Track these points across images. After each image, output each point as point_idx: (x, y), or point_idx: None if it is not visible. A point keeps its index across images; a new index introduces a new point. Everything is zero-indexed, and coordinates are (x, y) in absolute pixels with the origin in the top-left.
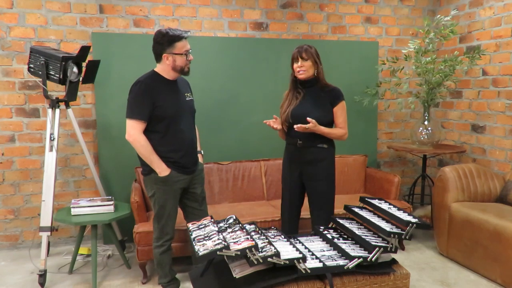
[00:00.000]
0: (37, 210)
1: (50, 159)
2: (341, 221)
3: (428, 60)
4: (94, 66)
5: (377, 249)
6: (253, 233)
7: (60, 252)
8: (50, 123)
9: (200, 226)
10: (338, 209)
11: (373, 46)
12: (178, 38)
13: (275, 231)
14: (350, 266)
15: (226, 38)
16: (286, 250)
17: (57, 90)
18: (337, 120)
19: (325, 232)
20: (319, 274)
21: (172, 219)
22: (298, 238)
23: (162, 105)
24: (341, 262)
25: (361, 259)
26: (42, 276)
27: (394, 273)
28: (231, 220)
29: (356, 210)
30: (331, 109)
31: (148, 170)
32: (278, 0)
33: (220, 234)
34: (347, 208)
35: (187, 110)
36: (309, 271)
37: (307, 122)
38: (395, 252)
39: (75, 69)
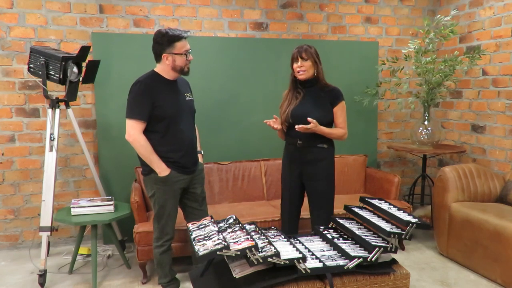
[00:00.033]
0: (37, 210)
1: (50, 159)
2: (341, 221)
3: (428, 60)
4: (94, 66)
5: (377, 249)
6: (253, 233)
7: (60, 252)
8: (50, 123)
9: (200, 226)
10: (338, 209)
11: (373, 46)
12: (178, 38)
13: (275, 231)
14: (350, 266)
15: (226, 38)
16: (286, 250)
17: (57, 90)
18: (337, 120)
19: (325, 232)
20: (319, 274)
21: (172, 219)
22: (298, 238)
23: (162, 105)
24: (341, 262)
25: (361, 259)
26: (42, 276)
27: (394, 273)
28: (231, 220)
29: (356, 210)
30: (331, 109)
31: (148, 170)
32: (278, 0)
33: (220, 234)
34: (347, 208)
35: (187, 110)
36: (309, 271)
37: (307, 122)
38: (395, 252)
39: (75, 69)
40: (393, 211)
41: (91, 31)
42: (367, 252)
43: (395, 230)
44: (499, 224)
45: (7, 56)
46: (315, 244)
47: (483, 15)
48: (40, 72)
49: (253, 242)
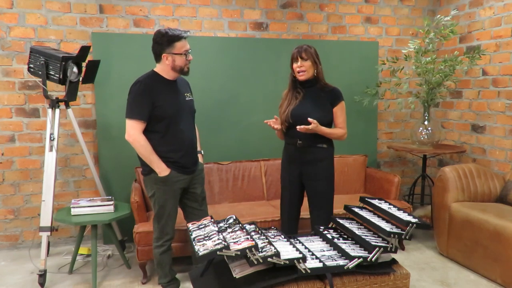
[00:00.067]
0: (37, 210)
1: (50, 159)
2: (341, 221)
3: (428, 60)
4: (94, 66)
5: (377, 249)
6: (253, 233)
7: (60, 252)
8: (50, 123)
9: (200, 226)
10: (338, 209)
11: (373, 46)
12: (178, 38)
13: (275, 231)
14: (350, 266)
15: (226, 38)
16: (286, 250)
17: (57, 90)
18: (337, 120)
19: (325, 232)
20: (319, 274)
21: (172, 219)
22: (298, 238)
23: (161, 105)
24: (341, 262)
25: (361, 259)
26: (42, 276)
27: (394, 273)
28: (231, 220)
29: (356, 210)
30: (331, 109)
31: (148, 170)
32: (278, 0)
33: (220, 234)
34: (347, 208)
35: (187, 110)
36: (309, 271)
37: (307, 122)
38: (395, 252)
39: (75, 69)
40: (393, 211)
41: (91, 31)
42: (367, 252)
43: (395, 230)
44: (499, 224)
45: (7, 56)
46: (315, 244)
47: (483, 15)
48: (40, 72)
49: (253, 242)
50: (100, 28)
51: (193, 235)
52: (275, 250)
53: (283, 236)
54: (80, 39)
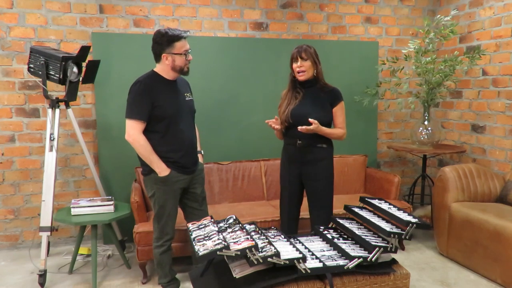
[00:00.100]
0: (37, 210)
1: (50, 159)
2: (341, 221)
3: (428, 60)
4: (94, 66)
5: (377, 249)
6: (253, 233)
7: (60, 252)
8: (50, 123)
9: (200, 226)
10: (338, 209)
11: (373, 46)
12: (177, 38)
13: (275, 231)
14: (350, 266)
15: (226, 38)
16: (286, 250)
17: (57, 90)
18: (337, 120)
19: (325, 232)
20: (319, 274)
21: (172, 219)
22: (298, 238)
23: (161, 105)
24: (341, 262)
25: (361, 259)
26: (42, 276)
27: (394, 273)
28: (231, 220)
29: (356, 210)
30: (330, 110)
31: (148, 170)
32: (278, 0)
33: (220, 234)
34: (347, 208)
35: (187, 110)
36: (309, 271)
37: (307, 122)
38: (395, 252)
39: (75, 69)
40: (393, 211)
41: (91, 31)
42: (367, 252)
43: (395, 230)
44: (499, 224)
45: (7, 56)
46: (315, 244)
47: (483, 15)
48: (40, 72)
49: (253, 242)
50: (100, 28)
51: (193, 235)
52: (275, 250)
53: (283, 236)
54: (80, 39)
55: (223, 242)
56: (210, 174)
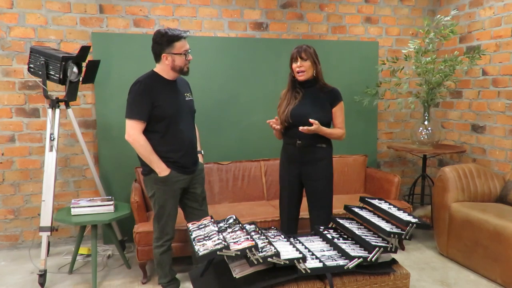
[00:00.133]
0: (37, 210)
1: (50, 159)
2: (341, 221)
3: (428, 60)
4: (94, 66)
5: (377, 249)
6: (253, 233)
7: (60, 252)
8: (50, 123)
9: (200, 226)
10: (338, 209)
11: (373, 46)
12: (177, 38)
13: (275, 231)
14: (350, 266)
15: (226, 38)
16: (286, 250)
17: (57, 90)
18: (336, 120)
19: (325, 232)
20: (319, 274)
21: (172, 219)
22: (298, 238)
23: (161, 105)
24: (341, 262)
25: (361, 259)
26: (42, 276)
27: (394, 273)
28: (231, 220)
29: (356, 210)
30: (330, 110)
31: (148, 170)
32: (278, 0)
33: (220, 234)
34: (347, 208)
35: (187, 110)
36: (309, 271)
37: (307, 122)
38: (395, 252)
39: (75, 69)
40: (393, 211)
41: (91, 31)
42: (367, 252)
43: (395, 230)
44: (499, 224)
45: (7, 56)
46: (315, 244)
47: (483, 15)
48: (40, 72)
49: (253, 242)
50: (100, 28)
51: (193, 235)
52: (275, 250)
53: (283, 236)
54: (80, 39)
55: (223, 242)
56: (210, 174)
